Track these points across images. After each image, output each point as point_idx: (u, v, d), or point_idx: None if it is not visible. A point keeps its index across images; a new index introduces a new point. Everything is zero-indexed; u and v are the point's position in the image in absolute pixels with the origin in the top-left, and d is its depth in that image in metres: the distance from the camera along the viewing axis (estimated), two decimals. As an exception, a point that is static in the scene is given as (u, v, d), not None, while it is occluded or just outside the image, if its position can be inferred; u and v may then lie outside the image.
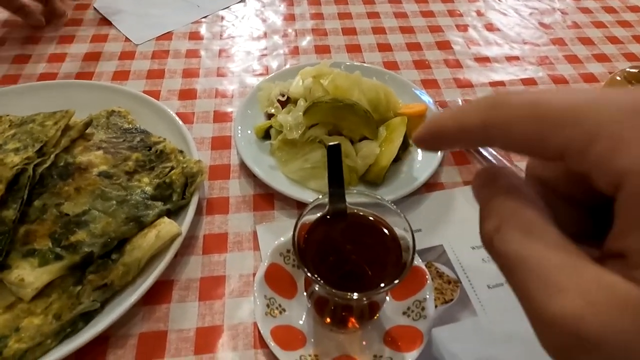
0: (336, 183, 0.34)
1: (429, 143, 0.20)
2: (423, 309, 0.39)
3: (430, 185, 0.53)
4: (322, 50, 0.74)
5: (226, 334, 0.41)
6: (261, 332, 0.38)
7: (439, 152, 0.53)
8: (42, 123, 0.50)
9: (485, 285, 0.45)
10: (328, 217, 0.35)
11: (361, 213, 0.36)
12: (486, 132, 0.18)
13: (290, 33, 0.77)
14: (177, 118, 0.55)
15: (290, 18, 0.80)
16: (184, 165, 0.49)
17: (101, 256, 0.41)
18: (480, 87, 0.68)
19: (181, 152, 0.52)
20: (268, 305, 0.39)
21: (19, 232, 0.41)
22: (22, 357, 0.36)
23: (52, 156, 0.47)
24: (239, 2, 0.83)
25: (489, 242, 0.17)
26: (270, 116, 0.56)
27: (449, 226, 0.50)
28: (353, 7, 0.84)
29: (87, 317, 0.39)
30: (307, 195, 0.49)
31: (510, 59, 0.74)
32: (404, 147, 0.53)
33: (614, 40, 0.80)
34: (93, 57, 0.70)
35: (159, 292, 0.43)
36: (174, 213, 0.47)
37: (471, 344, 0.41)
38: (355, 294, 0.32)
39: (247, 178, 0.53)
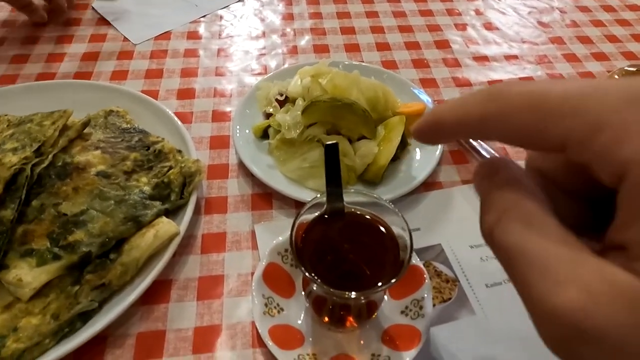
0: (334, 182, 0.34)
1: (428, 136, 0.20)
2: (421, 307, 0.39)
3: (429, 184, 0.53)
4: (321, 49, 0.74)
5: (224, 333, 0.41)
6: (259, 331, 0.38)
7: (438, 151, 0.53)
8: (40, 123, 0.50)
9: (483, 284, 0.45)
10: (326, 216, 0.35)
11: (359, 212, 0.36)
12: (485, 124, 0.17)
13: (289, 32, 0.77)
14: (175, 117, 0.55)
15: (288, 17, 0.80)
16: (182, 165, 0.49)
17: (99, 256, 0.41)
18: (479, 86, 0.69)
19: (179, 151, 0.52)
20: (266, 305, 0.40)
21: (17, 232, 0.41)
22: (20, 357, 0.36)
23: (50, 156, 0.47)
24: (238, 1, 0.83)
25: (489, 234, 0.17)
26: (268, 115, 0.56)
27: (447, 225, 0.50)
28: (352, 6, 0.84)
29: (85, 317, 0.39)
30: (305, 195, 0.49)
31: (508, 57, 0.74)
32: (403, 146, 0.53)
33: (612, 39, 0.80)
34: (91, 57, 0.70)
35: (157, 292, 0.43)
36: (172, 213, 0.47)
37: (469, 343, 0.41)
38: (353, 293, 0.32)
39: (246, 177, 0.53)
